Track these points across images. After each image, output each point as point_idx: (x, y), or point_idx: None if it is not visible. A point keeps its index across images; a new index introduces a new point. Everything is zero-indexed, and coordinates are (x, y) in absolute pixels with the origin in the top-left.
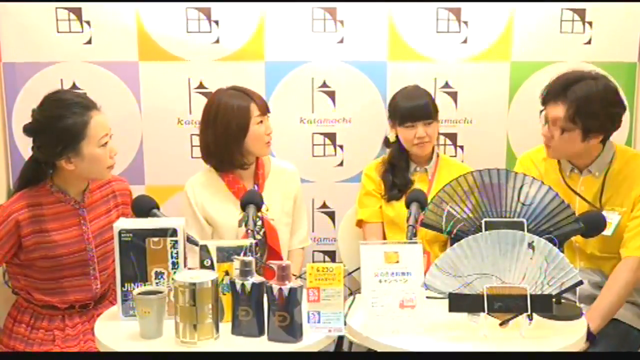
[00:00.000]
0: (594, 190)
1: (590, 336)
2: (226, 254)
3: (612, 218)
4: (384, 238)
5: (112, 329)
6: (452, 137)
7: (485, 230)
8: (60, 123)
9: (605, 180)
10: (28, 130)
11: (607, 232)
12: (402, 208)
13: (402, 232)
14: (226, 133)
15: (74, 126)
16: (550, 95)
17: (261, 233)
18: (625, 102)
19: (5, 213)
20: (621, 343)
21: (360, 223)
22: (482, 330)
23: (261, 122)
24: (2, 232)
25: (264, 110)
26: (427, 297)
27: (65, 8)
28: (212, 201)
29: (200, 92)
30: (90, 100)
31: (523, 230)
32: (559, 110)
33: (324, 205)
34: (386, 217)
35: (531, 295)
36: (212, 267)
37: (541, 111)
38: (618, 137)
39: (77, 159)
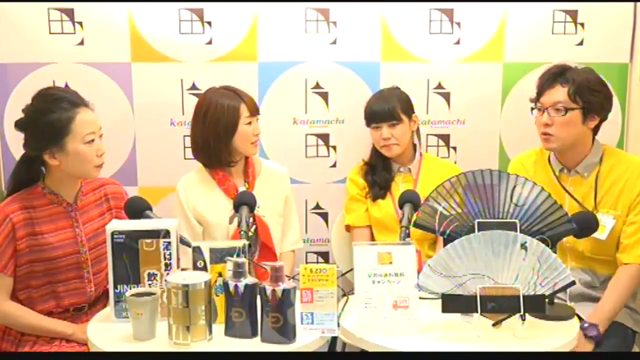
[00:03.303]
0: (582, 191)
1: (597, 337)
2: (219, 256)
3: (606, 222)
4: (372, 241)
5: (104, 330)
6: (445, 138)
7: (478, 231)
8: (46, 117)
9: (597, 181)
10: (18, 125)
11: (601, 236)
12: (389, 208)
13: (390, 233)
14: (215, 131)
15: (58, 121)
16: (548, 82)
17: (252, 230)
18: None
19: (1, 216)
20: (619, 343)
21: (348, 228)
22: (475, 331)
23: (250, 122)
24: (2, 236)
25: (254, 111)
26: (420, 298)
27: (58, 9)
28: (203, 199)
29: (193, 93)
30: (80, 97)
31: (516, 231)
32: (559, 93)
33: (317, 206)
34: (373, 219)
35: (524, 296)
36: (205, 268)
37: (532, 108)
38: (610, 137)
39: (61, 154)
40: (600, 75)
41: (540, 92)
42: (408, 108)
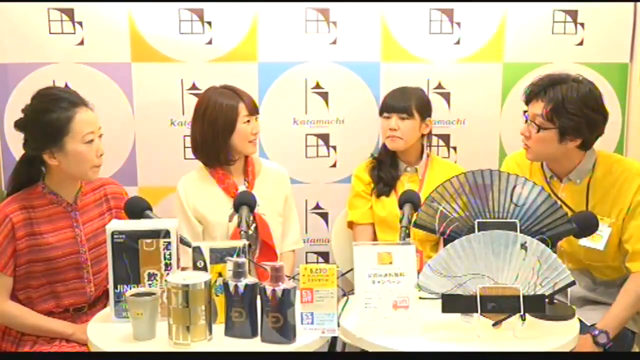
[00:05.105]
0: (575, 198)
1: (607, 345)
2: (219, 256)
3: (602, 230)
4: (375, 239)
5: (104, 330)
6: (445, 138)
7: (478, 231)
8: (45, 117)
9: (589, 188)
10: (18, 125)
11: (598, 245)
12: (393, 206)
13: (393, 231)
14: (213, 129)
15: (57, 120)
16: (533, 92)
17: (252, 228)
18: (608, 111)
19: (1, 216)
20: (619, 343)
21: (350, 225)
22: (475, 331)
23: (248, 121)
24: (1, 236)
25: (252, 110)
26: (420, 298)
27: (58, 9)
28: (203, 198)
29: (193, 93)
30: (79, 97)
31: (516, 231)
32: (537, 108)
33: (317, 207)
34: (377, 217)
35: (524, 296)
36: (205, 268)
37: (525, 111)
38: (610, 137)
39: (60, 154)
40: (597, 89)
41: (528, 100)
42: (423, 108)
